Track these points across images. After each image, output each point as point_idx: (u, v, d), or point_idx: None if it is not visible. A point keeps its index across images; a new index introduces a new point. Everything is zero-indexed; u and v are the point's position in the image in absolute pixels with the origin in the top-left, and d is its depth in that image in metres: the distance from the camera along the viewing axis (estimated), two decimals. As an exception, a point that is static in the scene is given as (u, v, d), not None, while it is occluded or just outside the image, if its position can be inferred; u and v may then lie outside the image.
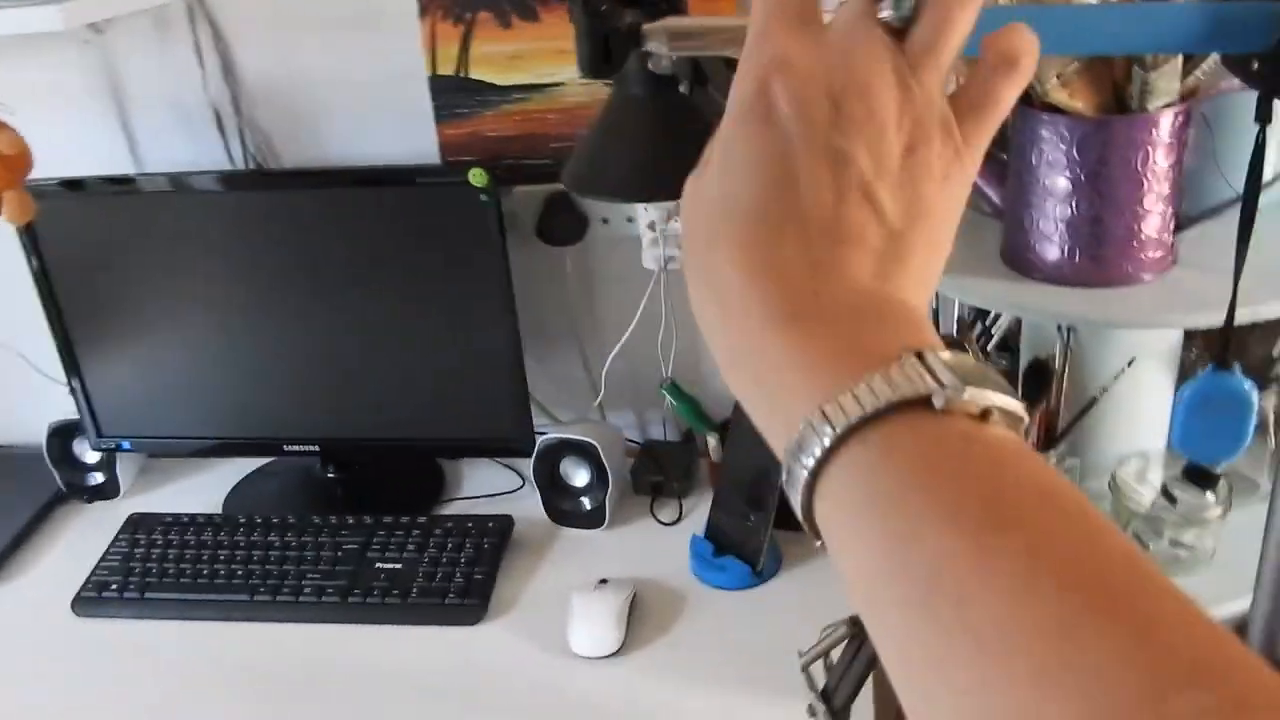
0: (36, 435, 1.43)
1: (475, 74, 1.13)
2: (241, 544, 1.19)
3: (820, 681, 0.84)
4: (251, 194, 1.16)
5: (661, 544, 1.17)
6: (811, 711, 0.87)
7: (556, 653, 1.04)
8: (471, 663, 1.04)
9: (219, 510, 1.29)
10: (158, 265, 1.18)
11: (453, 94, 1.14)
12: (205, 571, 1.16)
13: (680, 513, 1.21)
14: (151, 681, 1.06)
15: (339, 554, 1.17)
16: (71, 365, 1.24)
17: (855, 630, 0.75)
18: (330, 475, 1.33)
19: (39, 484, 1.35)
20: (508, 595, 1.12)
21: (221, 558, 1.18)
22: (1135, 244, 0.74)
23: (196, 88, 1.19)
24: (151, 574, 1.17)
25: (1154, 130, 0.72)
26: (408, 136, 1.18)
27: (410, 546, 1.16)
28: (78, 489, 1.34)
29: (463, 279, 1.12)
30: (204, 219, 1.16)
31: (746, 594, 1.09)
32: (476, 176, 1.05)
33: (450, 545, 1.16)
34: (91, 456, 1.34)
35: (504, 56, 1.12)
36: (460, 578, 1.12)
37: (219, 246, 1.17)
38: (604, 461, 1.16)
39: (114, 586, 1.16)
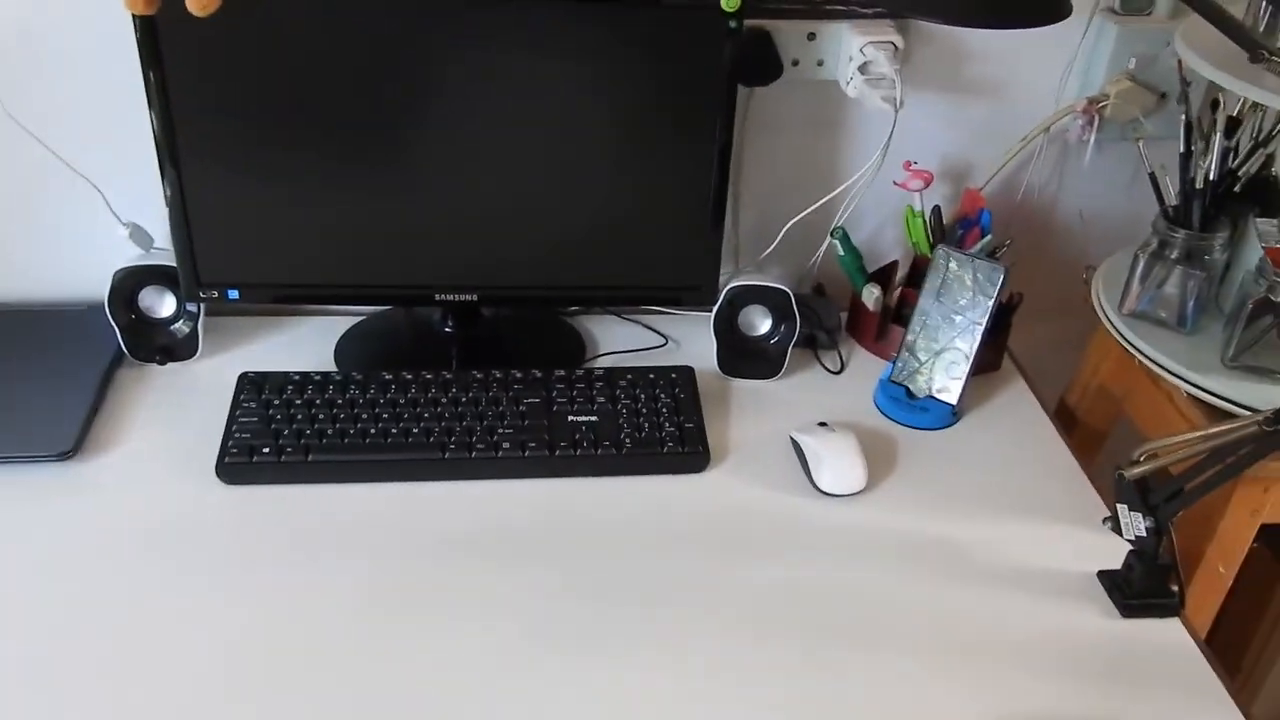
0: (80, 290, 1.21)
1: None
2: (401, 400, 1.07)
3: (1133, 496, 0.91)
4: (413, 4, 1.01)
5: (834, 392, 1.19)
6: (1114, 523, 0.94)
7: (798, 493, 1.04)
8: (709, 508, 1.02)
9: (327, 369, 1.15)
10: (292, 78, 1.01)
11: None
12: (373, 431, 1.04)
13: (842, 362, 1.23)
14: (336, 549, 0.94)
15: (520, 408, 1.08)
16: (176, 199, 1.05)
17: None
18: (448, 330, 1.22)
19: (91, 345, 1.14)
20: (716, 443, 1.09)
21: (384, 417, 1.06)
22: None
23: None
24: (307, 435, 1.03)
25: None
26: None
27: (600, 399, 1.10)
28: (147, 349, 1.14)
29: (681, 114, 1.05)
30: (346, 33, 1.00)
31: (946, 434, 1.13)
32: (728, 2, 0.99)
33: (643, 397, 1.11)
34: (164, 310, 1.14)
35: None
36: (671, 427, 1.08)
37: (361, 68, 1.01)
38: (794, 309, 1.15)
39: (266, 450, 1.02)
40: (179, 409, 1.10)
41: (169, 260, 1.12)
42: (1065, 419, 1.28)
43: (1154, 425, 1.13)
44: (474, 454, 1.03)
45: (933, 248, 1.19)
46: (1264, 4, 0.95)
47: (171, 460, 1.03)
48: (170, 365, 1.15)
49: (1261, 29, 0.97)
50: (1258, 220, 0.97)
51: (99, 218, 1.16)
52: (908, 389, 1.15)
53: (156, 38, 0.98)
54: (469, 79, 1.02)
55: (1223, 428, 0.82)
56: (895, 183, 1.21)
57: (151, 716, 0.78)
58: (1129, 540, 0.92)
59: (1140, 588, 0.93)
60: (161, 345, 1.14)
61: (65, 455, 1.01)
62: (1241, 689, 1.59)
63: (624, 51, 1.02)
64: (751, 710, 0.82)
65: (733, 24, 1.01)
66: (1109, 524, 0.93)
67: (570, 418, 1.08)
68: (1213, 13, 0.65)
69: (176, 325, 1.14)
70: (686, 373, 1.15)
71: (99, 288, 1.13)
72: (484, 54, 1.01)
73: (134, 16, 0.95)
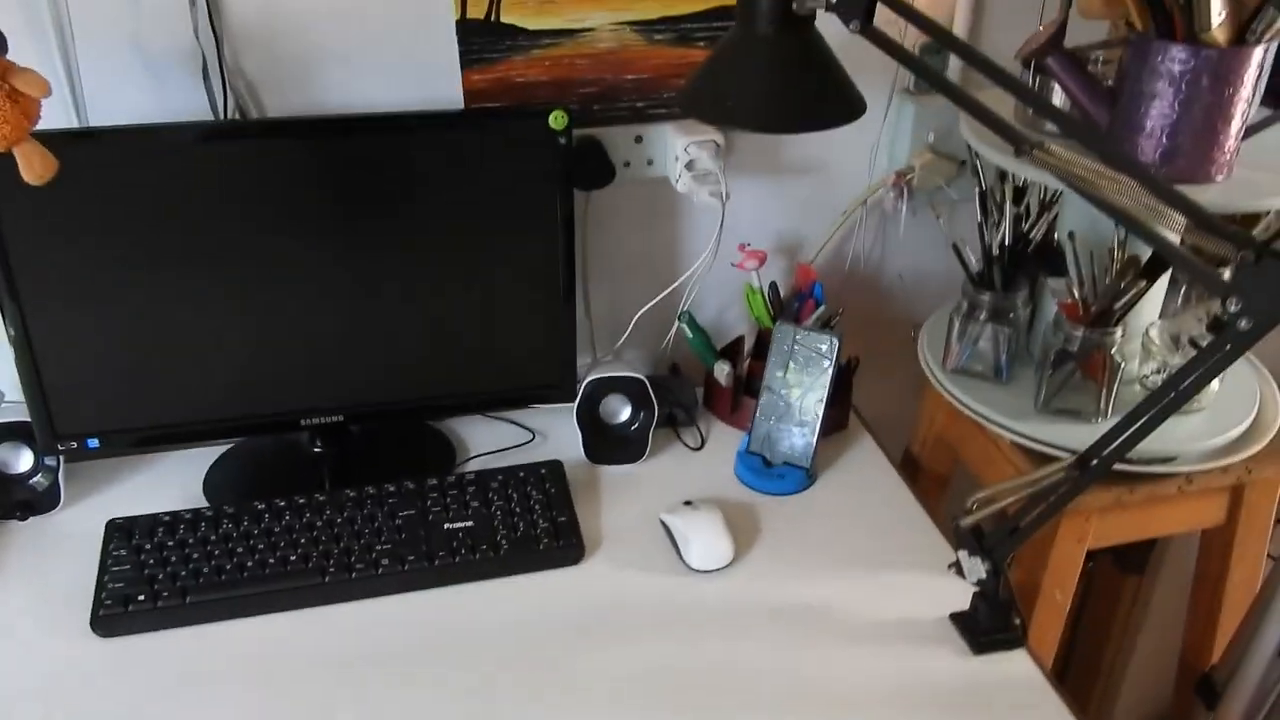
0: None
1: (506, 19, 1.12)
2: (276, 529, 1.09)
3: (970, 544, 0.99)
4: (259, 142, 1.04)
5: (697, 467, 1.25)
6: (958, 569, 1.02)
7: (671, 572, 1.09)
8: (590, 597, 1.06)
9: (197, 504, 1.15)
10: (129, 229, 1.03)
11: (481, 38, 1.12)
12: (250, 563, 1.05)
13: (702, 438, 1.29)
14: (225, 688, 0.95)
15: (396, 522, 1.11)
16: (22, 347, 1.04)
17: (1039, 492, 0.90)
18: (317, 450, 1.23)
19: (-56, 508, 1.11)
20: (590, 532, 1.14)
21: (259, 548, 1.07)
22: (1217, 149, 0.96)
23: (171, 28, 1.05)
24: (183, 577, 1.04)
25: (1264, 55, 0.91)
26: (426, 84, 1.13)
27: (474, 503, 1.14)
28: (6, 506, 1.12)
29: (521, 224, 1.11)
30: (194, 173, 1.03)
31: (803, 496, 1.21)
32: (557, 119, 1.05)
33: (515, 496, 1.15)
34: (21, 465, 1.13)
35: (536, 0, 1.12)
36: (545, 523, 1.12)
37: (211, 205, 1.04)
38: (651, 395, 1.21)
39: (142, 598, 1.02)
40: (46, 565, 1.08)
41: (19, 414, 1.11)
42: (910, 469, 1.37)
43: (986, 470, 1.23)
44: (354, 574, 1.05)
45: (774, 321, 1.27)
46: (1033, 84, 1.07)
47: (43, 620, 1.02)
48: (32, 520, 1.14)
49: (1029, 115, 1.09)
50: (1049, 280, 1.08)
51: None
52: (764, 457, 1.22)
53: (-9, 202, 0.98)
54: (312, 203, 1.06)
55: (1039, 474, 0.92)
56: (733, 264, 1.29)
57: None
58: (972, 583, 1.00)
59: (987, 625, 1.01)
60: (21, 501, 1.13)
61: (-71, 629, 0.99)
62: (1101, 697, 1.71)
63: (461, 169, 1.08)
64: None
65: (562, 139, 1.07)
66: (953, 569, 1.01)
67: (446, 525, 1.11)
68: (980, 111, 0.74)
69: (35, 479, 1.13)
70: (555, 467, 1.19)
71: (-51, 450, 1.11)
72: (325, 180, 1.05)
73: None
